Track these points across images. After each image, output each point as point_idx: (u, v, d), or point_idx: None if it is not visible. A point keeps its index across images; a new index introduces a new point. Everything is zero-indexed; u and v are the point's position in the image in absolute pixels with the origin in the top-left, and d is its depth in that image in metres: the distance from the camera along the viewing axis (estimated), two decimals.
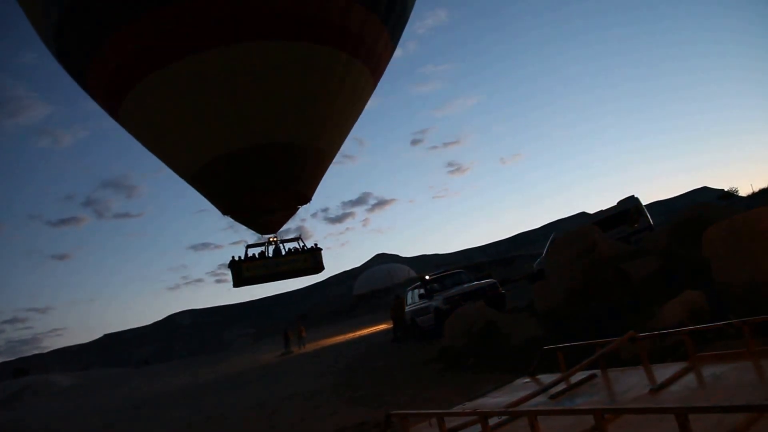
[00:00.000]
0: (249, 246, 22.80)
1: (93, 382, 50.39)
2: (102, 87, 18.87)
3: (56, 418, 24.56)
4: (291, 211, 22.80)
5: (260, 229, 22.97)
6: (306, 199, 22.35)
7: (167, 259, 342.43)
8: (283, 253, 23.02)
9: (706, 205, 12.66)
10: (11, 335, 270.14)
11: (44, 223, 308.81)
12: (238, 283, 22.09)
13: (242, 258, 22.31)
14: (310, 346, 36.31)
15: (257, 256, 22.65)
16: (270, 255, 22.77)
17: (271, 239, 23.05)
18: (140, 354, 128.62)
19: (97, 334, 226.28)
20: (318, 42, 17.85)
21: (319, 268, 23.29)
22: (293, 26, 17.28)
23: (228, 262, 22.40)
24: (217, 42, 16.90)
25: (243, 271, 22.07)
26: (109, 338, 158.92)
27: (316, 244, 23.60)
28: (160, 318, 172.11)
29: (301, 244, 23.46)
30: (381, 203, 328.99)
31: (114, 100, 19.04)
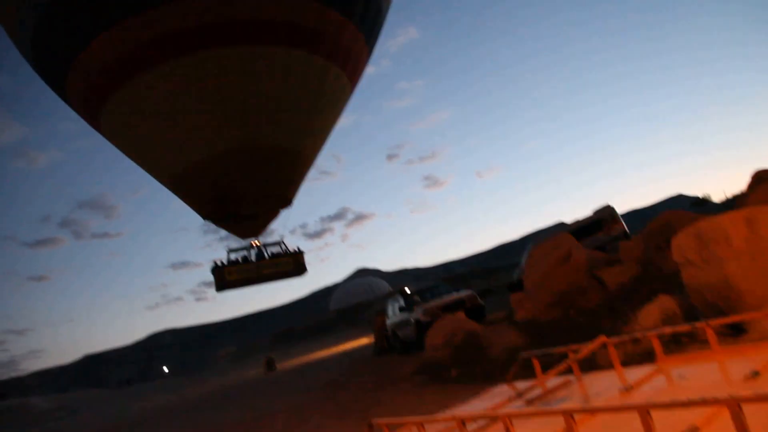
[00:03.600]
0: (231, 250, 22.61)
1: (74, 404, 49.53)
2: (81, 95, 18.71)
3: None
4: (272, 215, 22.71)
5: (242, 234, 22.80)
6: (287, 201, 22.28)
7: (147, 278, 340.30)
8: (266, 256, 22.83)
9: (676, 213, 12.92)
10: None
11: (20, 245, 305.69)
12: (220, 287, 21.79)
13: (224, 262, 22.07)
14: (294, 362, 36.13)
15: (240, 260, 22.48)
16: (252, 259, 22.58)
17: (253, 243, 22.88)
18: (121, 374, 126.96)
19: (76, 355, 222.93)
20: (294, 46, 17.95)
21: (301, 270, 23.08)
22: (269, 31, 17.36)
23: (210, 267, 22.10)
24: (195, 47, 16.87)
25: (225, 276, 21.79)
26: (89, 359, 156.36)
27: (298, 248, 23.46)
28: (141, 338, 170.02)
29: (284, 247, 23.30)
30: (359, 218, 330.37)
31: (93, 108, 18.90)
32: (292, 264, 22.86)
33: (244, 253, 22.67)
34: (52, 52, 17.86)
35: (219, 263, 21.93)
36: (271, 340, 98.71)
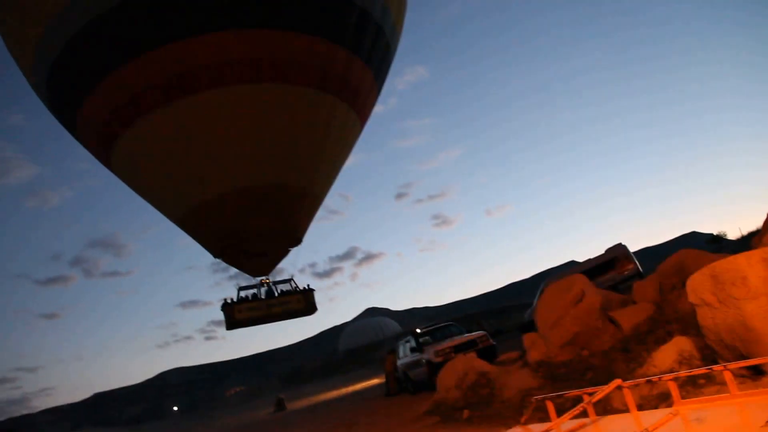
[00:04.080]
0: (241, 288, 22.70)
1: None
2: (93, 133, 19.06)
3: None
4: (282, 253, 22.78)
5: (252, 272, 22.87)
6: (297, 240, 22.40)
7: (157, 316, 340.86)
8: (276, 294, 22.83)
9: (691, 252, 12.79)
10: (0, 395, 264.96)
11: (32, 283, 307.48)
12: (230, 325, 21.83)
13: (234, 300, 22.08)
14: (304, 402, 35.75)
15: (250, 298, 22.47)
16: (262, 297, 22.58)
17: (263, 281, 22.91)
18: (131, 413, 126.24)
19: (86, 393, 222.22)
20: (304, 85, 18.19)
21: (311, 309, 23.04)
22: (279, 70, 17.61)
23: (221, 305, 22.13)
24: (204, 86, 17.16)
25: (235, 314, 21.83)
26: (99, 397, 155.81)
27: (308, 285, 23.44)
28: (151, 376, 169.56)
29: (294, 285, 23.30)
30: (369, 257, 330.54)
31: (105, 147, 19.19)
32: (302, 302, 22.88)
33: (254, 291, 22.69)
34: (65, 92, 18.26)
35: (229, 301, 21.98)
36: (281, 379, 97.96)
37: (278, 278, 23.58)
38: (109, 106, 17.62)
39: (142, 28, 16.26)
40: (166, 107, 17.35)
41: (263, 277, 22.96)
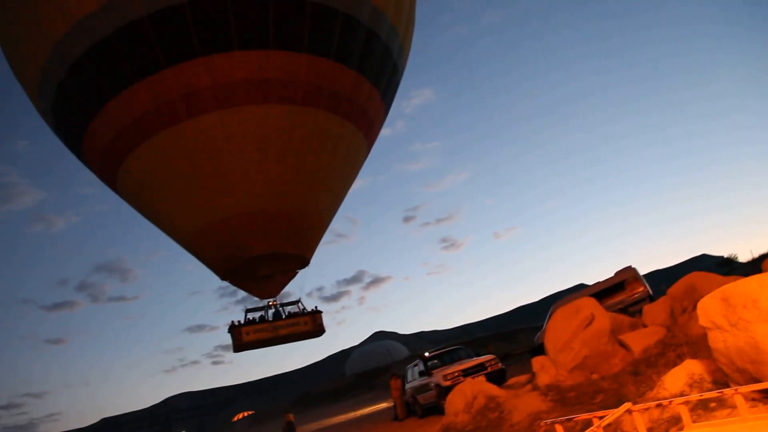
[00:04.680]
0: (248, 310, 22.64)
1: None
2: (99, 156, 19.16)
3: None
4: (290, 275, 22.73)
5: (259, 294, 22.82)
6: (305, 262, 22.32)
7: (163, 341, 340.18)
8: (284, 316, 22.74)
9: (701, 274, 12.70)
10: (6, 421, 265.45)
11: (38, 308, 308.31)
12: (238, 347, 21.73)
13: (242, 322, 22.03)
14: (313, 426, 35.47)
15: (257, 320, 22.41)
16: (270, 319, 22.50)
17: (270, 303, 22.85)
18: None
19: (93, 419, 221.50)
20: (311, 106, 18.20)
21: (319, 330, 22.89)
22: (286, 90, 17.64)
23: (228, 327, 22.07)
24: (212, 107, 17.19)
25: (243, 336, 21.73)
26: (106, 422, 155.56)
27: (316, 307, 23.35)
28: (158, 401, 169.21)
29: (301, 307, 23.22)
30: (376, 281, 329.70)
31: (111, 169, 19.28)
32: (310, 324, 22.79)
33: (262, 313, 22.65)
34: (71, 115, 18.36)
35: (236, 323, 21.94)
36: (288, 403, 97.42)
37: (286, 300, 23.52)
38: (115, 128, 17.68)
39: (147, 50, 16.37)
40: (173, 129, 17.40)
41: (271, 300, 22.92)
